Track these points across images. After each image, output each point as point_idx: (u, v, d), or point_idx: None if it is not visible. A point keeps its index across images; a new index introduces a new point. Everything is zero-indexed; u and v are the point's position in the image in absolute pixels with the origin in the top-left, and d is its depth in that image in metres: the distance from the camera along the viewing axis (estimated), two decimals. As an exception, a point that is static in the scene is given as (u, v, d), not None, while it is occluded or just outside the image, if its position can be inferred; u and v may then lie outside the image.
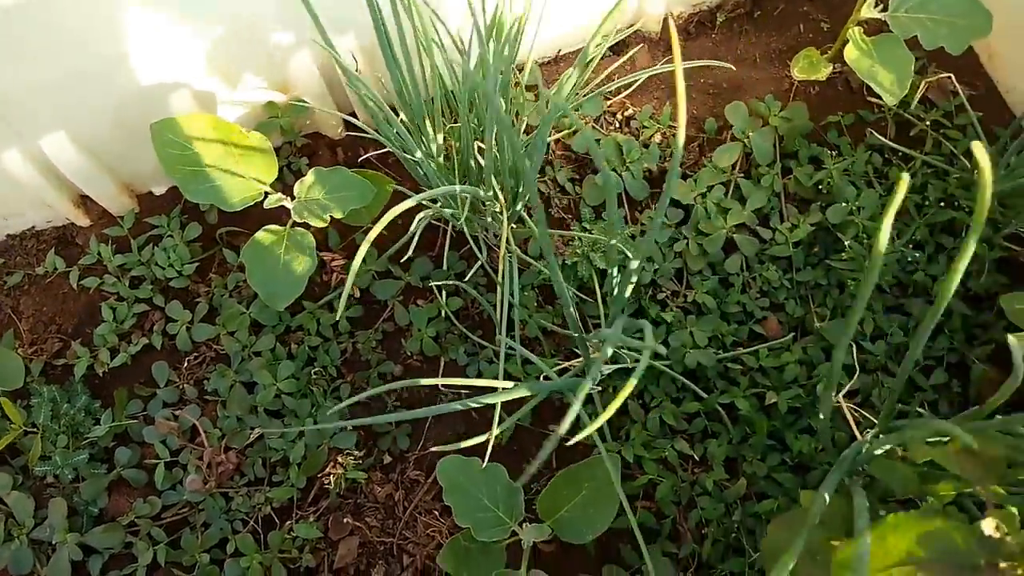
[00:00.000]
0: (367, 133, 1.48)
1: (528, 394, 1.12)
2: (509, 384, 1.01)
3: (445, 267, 1.39)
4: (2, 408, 1.35)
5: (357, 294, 1.40)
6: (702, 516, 1.24)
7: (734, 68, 1.42)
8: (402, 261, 1.41)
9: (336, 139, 1.52)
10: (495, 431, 1.03)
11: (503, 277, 1.28)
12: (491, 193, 1.14)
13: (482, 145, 1.23)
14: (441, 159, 1.16)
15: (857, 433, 1.19)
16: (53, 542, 1.28)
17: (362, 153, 1.50)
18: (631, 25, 1.56)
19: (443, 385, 1.35)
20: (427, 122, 1.08)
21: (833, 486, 0.98)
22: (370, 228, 1.43)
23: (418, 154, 1.05)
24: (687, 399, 1.30)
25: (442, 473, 1.15)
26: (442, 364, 1.37)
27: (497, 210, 1.23)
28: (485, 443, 1.31)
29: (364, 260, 1.40)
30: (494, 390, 1.18)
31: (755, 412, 1.27)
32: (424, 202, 1.23)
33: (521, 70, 1.46)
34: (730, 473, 1.27)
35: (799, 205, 1.41)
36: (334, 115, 1.43)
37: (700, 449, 1.28)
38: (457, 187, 0.98)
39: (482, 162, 1.19)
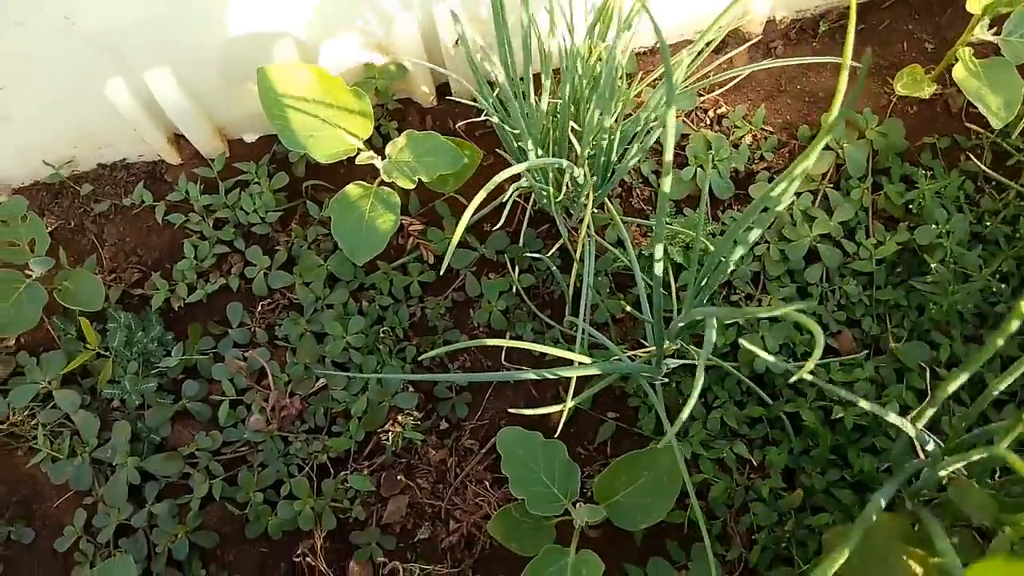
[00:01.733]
0: (463, 101, 1.50)
1: (598, 374, 1.12)
2: (587, 359, 1.01)
3: (522, 243, 1.39)
4: (79, 329, 1.39)
5: (431, 260, 1.41)
6: (753, 522, 1.23)
7: (858, 64, 1.40)
8: (486, 230, 1.42)
9: (427, 107, 1.53)
10: (569, 402, 1.03)
11: (581, 258, 1.28)
12: (581, 172, 1.14)
13: (576, 127, 1.23)
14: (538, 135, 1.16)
15: (922, 456, 1.17)
16: (114, 463, 1.32)
17: (451, 124, 1.51)
18: (733, 25, 1.55)
19: (507, 361, 1.37)
20: (531, 93, 1.08)
21: (890, 495, 0.97)
22: (451, 196, 1.45)
23: (521, 123, 1.05)
24: (751, 403, 1.29)
25: (502, 443, 1.15)
26: (507, 339, 1.38)
27: (585, 192, 1.23)
28: (545, 420, 1.32)
29: (442, 228, 1.42)
30: (563, 366, 1.18)
31: (820, 425, 1.25)
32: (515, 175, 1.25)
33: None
34: (787, 482, 1.25)
35: (886, 222, 1.38)
36: (438, 71, 1.44)
37: (759, 455, 1.27)
38: (562, 160, 0.98)
39: (575, 144, 1.19)
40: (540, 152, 1.15)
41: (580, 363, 1.03)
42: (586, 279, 1.19)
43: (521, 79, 1.10)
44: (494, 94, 1.16)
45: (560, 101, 1.15)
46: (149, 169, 1.53)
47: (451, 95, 1.51)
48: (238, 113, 1.45)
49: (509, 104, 1.07)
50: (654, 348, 1.27)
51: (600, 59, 1.08)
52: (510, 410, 1.06)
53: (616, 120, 1.12)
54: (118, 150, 1.50)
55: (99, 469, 1.35)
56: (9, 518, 1.36)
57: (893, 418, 0.97)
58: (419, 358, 1.31)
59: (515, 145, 1.20)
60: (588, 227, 1.26)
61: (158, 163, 1.53)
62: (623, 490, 1.12)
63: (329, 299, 1.38)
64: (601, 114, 1.06)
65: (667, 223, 1.37)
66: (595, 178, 1.25)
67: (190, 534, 1.28)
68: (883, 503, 0.86)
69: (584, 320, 1.29)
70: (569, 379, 1.34)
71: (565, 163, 0.98)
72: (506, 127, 1.13)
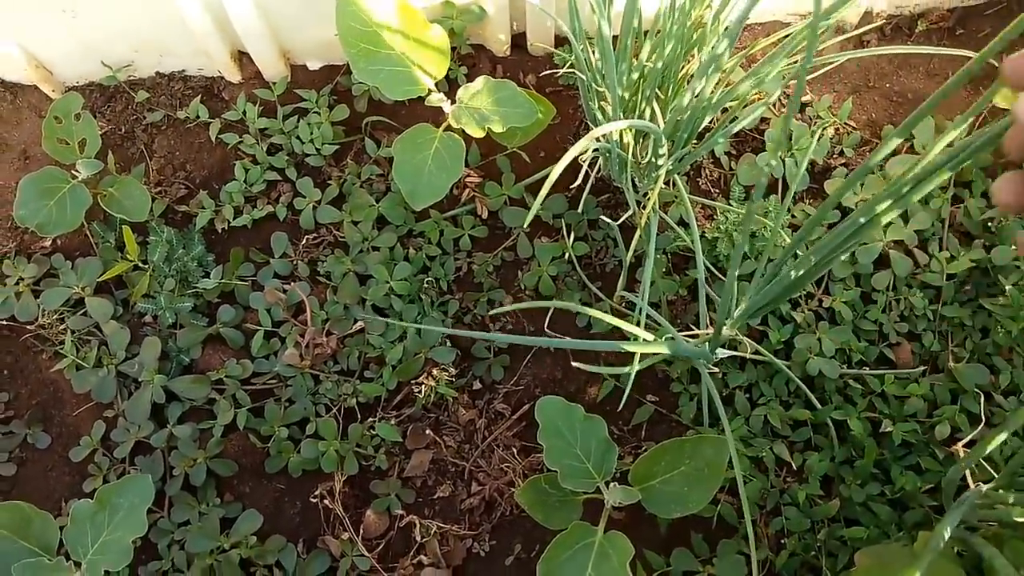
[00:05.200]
0: (538, 55, 1.44)
1: (645, 352, 1.08)
2: (648, 335, 0.97)
3: (580, 210, 1.34)
4: (119, 238, 1.36)
5: (484, 214, 1.37)
6: (785, 526, 1.19)
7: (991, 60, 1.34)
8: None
9: (499, 56, 1.47)
10: (636, 364, 0.99)
11: (643, 233, 1.23)
12: (665, 142, 1.09)
13: (659, 94, 1.17)
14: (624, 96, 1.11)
15: (971, 482, 1.13)
16: (139, 379, 1.29)
17: (522, 77, 1.46)
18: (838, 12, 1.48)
19: (550, 330, 1.32)
20: (628, 51, 1.02)
21: (953, 524, 0.93)
22: (512, 152, 1.40)
23: (615, 82, 1.00)
24: (797, 405, 1.25)
25: (542, 411, 1.11)
26: (550, 306, 1.34)
27: (660, 164, 1.18)
28: (581, 394, 1.29)
29: (500, 183, 1.38)
30: (608, 341, 1.14)
31: (866, 436, 1.21)
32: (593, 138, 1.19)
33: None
34: (824, 491, 1.21)
35: (961, 237, 1.32)
36: (519, 20, 1.38)
37: (799, 459, 1.22)
38: (653, 125, 0.92)
39: (658, 113, 1.14)
40: (622, 117, 1.09)
41: (643, 338, 0.99)
42: (650, 254, 1.14)
43: (615, 37, 1.04)
44: (579, 46, 1.10)
45: (649, 65, 1.09)
46: (207, 85, 1.49)
47: (527, 47, 1.46)
48: (306, 38, 1.40)
49: (603, 62, 1.01)
50: (705, 334, 1.22)
51: (703, 25, 1.02)
52: (574, 363, 1.01)
53: (712, 94, 1.06)
54: (178, 60, 1.46)
55: (123, 383, 1.32)
56: (27, 420, 1.34)
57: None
58: (490, 312, 1.28)
59: (596, 106, 1.14)
60: (655, 202, 1.20)
61: (217, 79, 1.49)
62: (661, 476, 1.08)
63: (376, 241, 1.34)
64: (697, 86, 1.00)
65: (736, 209, 1.31)
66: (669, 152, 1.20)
67: (209, 460, 1.25)
68: (947, 534, 0.82)
69: (640, 297, 1.24)
70: (610, 355, 1.31)
71: (656, 127, 0.93)
72: (593, 85, 1.08)
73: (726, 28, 1.22)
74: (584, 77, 1.08)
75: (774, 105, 1.41)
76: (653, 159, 1.14)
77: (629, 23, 1.02)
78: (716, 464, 1.06)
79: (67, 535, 1.08)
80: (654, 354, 1.16)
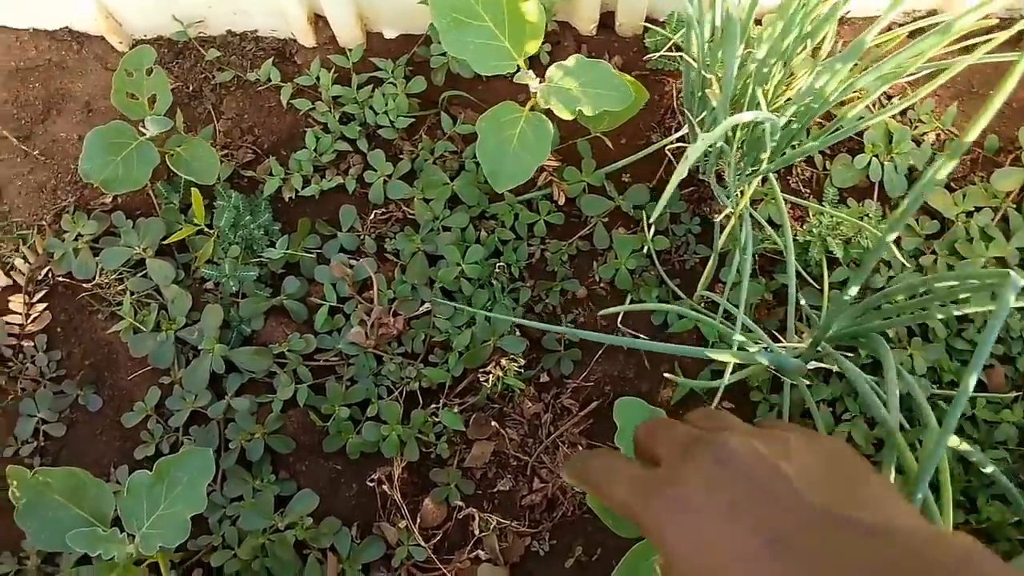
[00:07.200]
0: (626, 36, 1.37)
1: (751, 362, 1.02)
2: (751, 345, 0.91)
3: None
4: (183, 199, 1.32)
5: (561, 200, 1.31)
6: (861, 547, 1.14)
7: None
8: (625, 180, 1.31)
9: (584, 34, 1.41)
10: (727, 377, 0.94)
11: (733, 231, 1.18)
12: (771, 137, 1.02)
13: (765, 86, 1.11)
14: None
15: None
16: (199, 347, 1.25)
17: (607, 57, 1.39)
18: (934, 11, 1.40)
19: (622, 325, 1.27)
20: (743, 37, 0.96)
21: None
22: (596, 137, 1.33)
23: (733, 71, 0.93)
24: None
25: (620, 412, 1.05)
26: (627, 301, 1.28)
27: (762, 160, 1.11)
28: (652, 394, 1.23)
29: (580, 168, 1.32)
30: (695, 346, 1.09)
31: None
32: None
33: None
34: (906, 514, 1.15)
35: (1067, 258, 1.25)
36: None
37: (881, 478, 1.16)
38: (774, 116, 0.86)
39: (763, 104, 1.07)
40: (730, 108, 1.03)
41: (739, 345, 0.94)
42: (747, 254, 1.08)
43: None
44: (693, 33, 1.03)
45: (762, 55, 1.02)
46: (279, 47, 1.43)
47: (614, 26, 1.39)
48: (386, 4, 1.34)
49: (724, 47, 0.94)
50: (792, 346, 1.16)
51: (817, 16, 0.95)
52: (666, 375, 0.96)
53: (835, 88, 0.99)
54: (252, 19, 1.40)
55: (181, 350, 1.29)
56: (79, 381, 1.30)
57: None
58: (600, 312, 1.22)
59: (698, 94, 1.08)
60: (748, 200, 1.14)
61: (289, 42, 1.43)
62: (743, 489, 1.03)
63: (447, 221, 1.29)
64: (822, 79, 0.93)
65: (831, 213, 1.25)
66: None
67: (267, 436, 1.21)
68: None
69: (724, 298, 1.18)
70: (684, 360, 1.25)
71: (775, 119, 0.87)
72: (703, 72, 1.01)
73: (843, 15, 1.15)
74: (694, 62, 1.02)
75: (873, 104, 1.34)
76: (757, 155, 1.07)
77: (751, 7, 0.95)
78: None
79: (122, 506, 1.04)
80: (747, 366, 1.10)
